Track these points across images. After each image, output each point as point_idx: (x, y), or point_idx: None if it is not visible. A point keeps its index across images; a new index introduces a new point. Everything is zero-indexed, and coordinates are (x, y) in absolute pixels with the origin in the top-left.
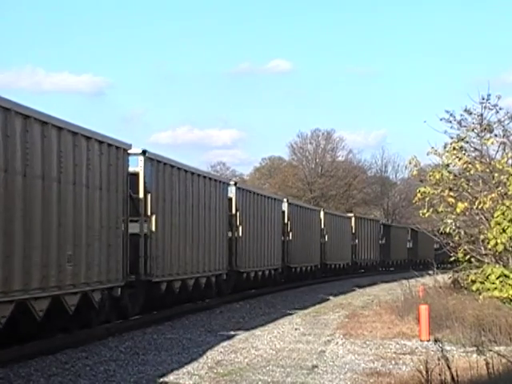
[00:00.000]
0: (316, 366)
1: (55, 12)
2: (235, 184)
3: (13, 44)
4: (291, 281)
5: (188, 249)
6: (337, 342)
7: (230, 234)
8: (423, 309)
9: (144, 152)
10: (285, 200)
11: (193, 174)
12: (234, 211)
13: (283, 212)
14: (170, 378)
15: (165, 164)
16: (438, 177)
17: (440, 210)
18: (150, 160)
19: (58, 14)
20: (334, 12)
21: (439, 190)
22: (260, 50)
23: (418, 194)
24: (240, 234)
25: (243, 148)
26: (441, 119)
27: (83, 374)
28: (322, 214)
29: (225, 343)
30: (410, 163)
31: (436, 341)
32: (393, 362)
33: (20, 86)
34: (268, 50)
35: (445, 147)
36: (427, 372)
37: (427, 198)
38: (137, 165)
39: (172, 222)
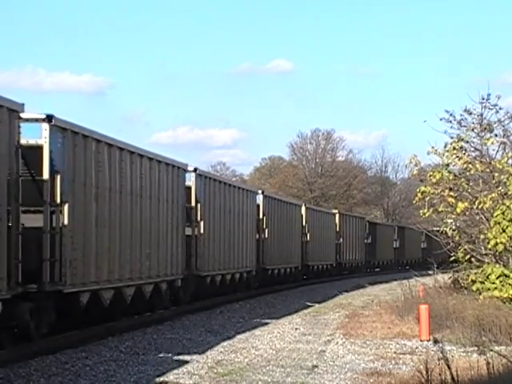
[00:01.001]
0: (316, 366)
1: (56, 12)
2: (195, 170)
3: (13, 44)
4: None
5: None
6: (337, 342)
7: (189, 232)
8: (423, 309)
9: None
10: (259, 191)
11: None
12: (193, 203)
13: (258, 206)
14: (170, 377)
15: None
16: (438, 177)
17: (440, 209)
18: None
19: (59, 13)
20: (335, 12)
21: (439, 190)
22: (261, 50)
23: (419, 194)
24: (201, 230)
25: (244, 148)
26: (441, 119)
27: (83, 374)
28: (303, 209)
29: (225, 343)
30: (411, 162)
31: (436, 341)
32: (393, 362)
33: (20, 85)
34: (269, 50)
35: (445, 147)
36: (427, 372)
37: (427, 198)
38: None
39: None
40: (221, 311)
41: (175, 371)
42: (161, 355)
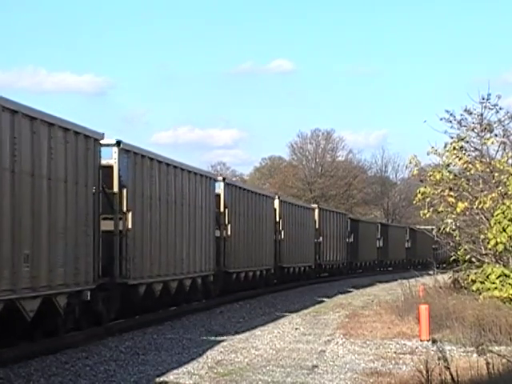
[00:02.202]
0: (316, 366)
1: (57, 12)
2: (223, 180)
3: (14, 44)
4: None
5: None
6: (337, 342)
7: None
8: (423, 309)
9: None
10: (219, 178)
11: None
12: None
13: (218, 196)
14: (170, 377)
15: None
16: (438, 177)
17: (440, 209)
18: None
19: (60, 14)
20: (336, 12)
21: (439, 190)
22: (262, 50)
23: (419, 195)
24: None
25: (244, 148)
26: (441, 119)
27: (83, 374)
28: (276, 202)
29: (225, 343)
30: (411, 163)
31: (436, 341)
32: (393, 362)
33: (21, 85)
34: (270, 50)
35: (445, 147)
36: (427, 372)
37: (427, 198)
38: (219, 188)
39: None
40: (221, 311)
41: (175, 371)
42: (161, 355)
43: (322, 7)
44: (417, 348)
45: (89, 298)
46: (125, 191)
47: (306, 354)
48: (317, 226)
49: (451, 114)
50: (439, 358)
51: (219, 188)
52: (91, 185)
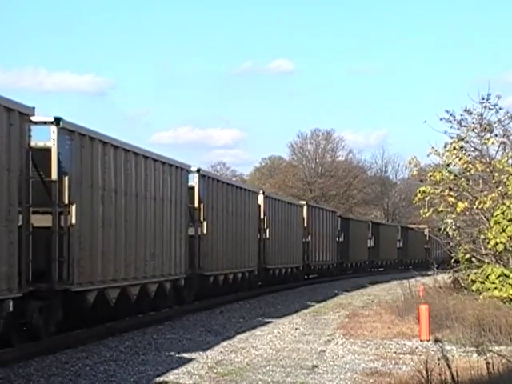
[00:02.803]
0: (316, 366)
1: (57, 12)
2: (198, 171)
3: (14, 44)
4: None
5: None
6: (337, 342)
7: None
8: (423, 309)
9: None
10: (193, 169)
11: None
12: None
13: (192, 189)
14: (170, 377)
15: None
16: (438, 177)
17: (440, 209)
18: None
19: (61, 13)
20: (336, 12)
21: (439, 190)
22: (262, 50)
23: (419, 194)
24: (73, 220)
25: (245, 148)
26: (441, 119)
27: (83, 374)
28: (260, 197)
29: (225, 343)
30: (410, 163)
31: (436, 341)
32: (393, 362)
33: (22, 85)
34: (270, 50)
35: (445, 147)
36: (427, 372)
37: (427, 198)
38: (193, 180)
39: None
40: (221, 311)
41: (175, 371)
42: (161, 355)
43: (322, 7)
44: (417, 348)
45: (11, 308)
46: (66, 179)
47: (306, 353)
48: (305, 225)
49: (451, 114)
50: (439, 358)
51: (193, 180)
52: (16, 170)
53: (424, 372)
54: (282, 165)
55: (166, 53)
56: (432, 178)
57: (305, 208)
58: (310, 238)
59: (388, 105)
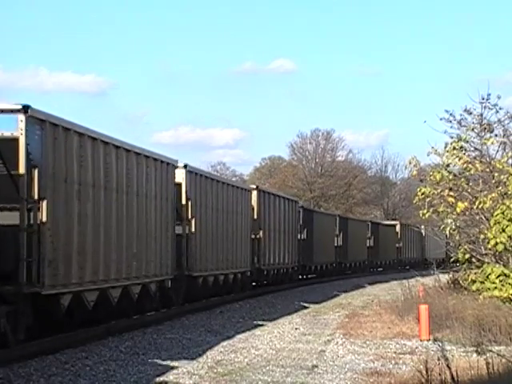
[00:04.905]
0: (316, 366)
1: (58, 12)
2: (185, 167)
3: (15, 43)
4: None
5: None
6: (337, 342)
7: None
8: (423, 309)
9: (186, 166)
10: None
11: None
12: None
13: (179, 185)
14: (170, 377)
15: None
16: (438, 178)
17: (440, 210)
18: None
19: (61, 13)
20: (337, 12)
21: (439, 190)
22: (263, 50)
23: (419, 194)
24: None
25: (245, 148)
26: (441, 119)
27: (83, 374)
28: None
29: (225, 343)
30: (410, 163)
31: (436, 341)
32: (393, 362)
33: (22, 85)
34: (271, 50)
35: (445, 147)
36: (427, 372)
37: (427, 198)
38: (180, 176)
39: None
40: (221, 311)
41: (175, 371)
42: (161, 355)
43: (323, 7)
44: (417, 348)
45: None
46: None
47: (306, 353)
48: (255, 216)
49: (451, 114)
50: (439, 358)
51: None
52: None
53: (424, 372)
54: (281, 165)
55: (166, 53)
56: (432, 178)
57: (254, 194)
58: (261, 233)
59: (389, 105)
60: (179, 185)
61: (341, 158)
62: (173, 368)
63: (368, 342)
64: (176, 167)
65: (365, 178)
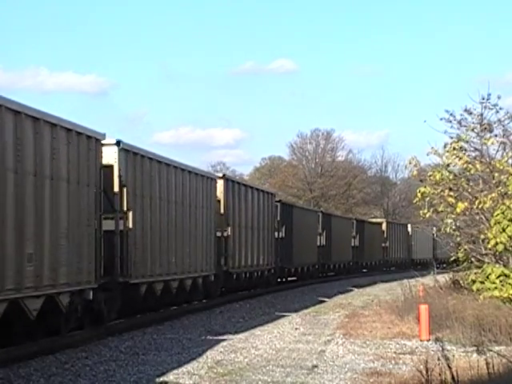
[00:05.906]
0: (316, 366)
1: (58, 12)
2: (117, 144)
3: (16, 43)
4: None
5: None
6: (337, 342)
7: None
8: (423, 309)
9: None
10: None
11: None
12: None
13: (109, 167)
14: (170, 377)
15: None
16: (438, 178)
17: (440, 209)
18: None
19: (61, 13)
20: (337, 12)
21: (439, 190)
22: (264, 50)
23: (419, 194)
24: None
25: (245, 148)
26: (441, 119)
27: (83, 374)
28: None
29: (225, 343)
30: (410, 163)
31: (436, 340)
32: (393, 362)
33: (23, 85)
34: (272, 50)
35: (445, 147)
36: (427, 372)
37: (427, 198)
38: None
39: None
40: (220, 311)
41: (175, 371)
42: (161, 355)
43: (323, 7)
44: (417, 348)
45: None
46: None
47: (306, 353)
48: (222, 210)
49: (451, 114)
50: (439, 358)
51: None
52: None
53: (424, 372)
54: (281, 165)
55: (167, 53)
56: (432, 178)
57: (221, 183)
58: (230, 230)
59: (389, 105)
60: (110, 167)
61: (341, 158)
62: (173, 368)
63: (368, 342)
64: (103, 144)
65: (365, 178)
